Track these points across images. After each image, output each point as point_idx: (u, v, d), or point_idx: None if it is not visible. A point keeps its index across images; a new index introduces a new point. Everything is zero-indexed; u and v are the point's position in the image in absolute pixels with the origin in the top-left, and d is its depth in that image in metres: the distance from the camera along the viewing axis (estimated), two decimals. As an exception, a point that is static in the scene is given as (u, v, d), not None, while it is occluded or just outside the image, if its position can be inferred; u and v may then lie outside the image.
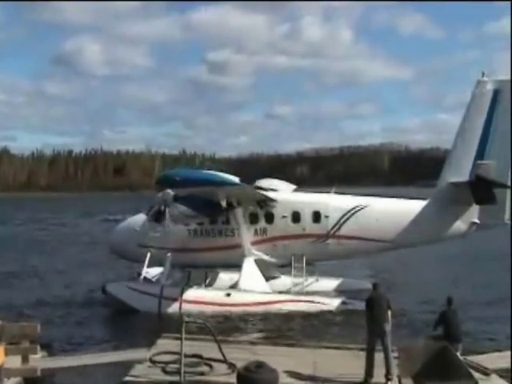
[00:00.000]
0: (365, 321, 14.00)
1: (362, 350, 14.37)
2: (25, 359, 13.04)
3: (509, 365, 14.87)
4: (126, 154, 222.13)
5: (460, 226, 24.37)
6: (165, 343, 15.55)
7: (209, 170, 27.71)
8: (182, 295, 23.32)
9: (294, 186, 31.41)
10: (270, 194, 25.22)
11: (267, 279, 25.43)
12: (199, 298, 23.36)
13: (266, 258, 25.02)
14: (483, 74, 24.15)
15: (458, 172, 23.81)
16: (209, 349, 14.18)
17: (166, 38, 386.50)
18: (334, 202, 25.15)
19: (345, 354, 15.52)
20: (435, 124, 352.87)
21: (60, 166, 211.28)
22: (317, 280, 26.61)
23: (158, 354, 14.45)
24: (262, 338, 19.67)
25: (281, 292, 24.60)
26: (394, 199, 25.77)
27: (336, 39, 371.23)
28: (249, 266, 24.48)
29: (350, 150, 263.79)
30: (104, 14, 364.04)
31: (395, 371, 13.25)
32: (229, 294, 23.56)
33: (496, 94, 23.85)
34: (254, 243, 25.02)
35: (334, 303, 23.56)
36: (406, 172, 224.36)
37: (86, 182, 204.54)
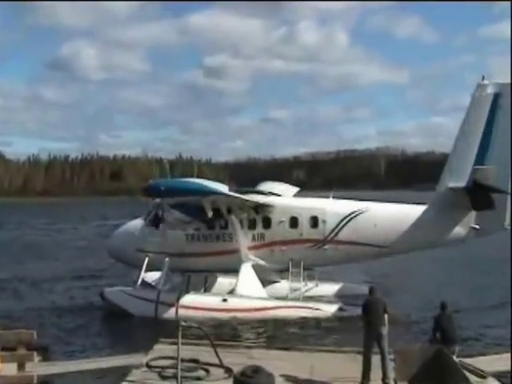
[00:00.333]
0: (361, 325, 14.04)
1: (358, 353, 14.39)
2: (21, 366, 13.01)
3: (508, 367, 14.90)
4: (123, 158, 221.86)
5: (459, 231, 24.12)
6: (161, 348, 15.55)
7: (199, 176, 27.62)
8: (178, 300, 23.30)
9: (297, 189, 31.47)
10: (266, 200, 25.15)
11: (267, 284, 25.42)
12: (196, 304, 23.30)
13: (263, 263, 24.91)
14: (483, 78, 23.90)
15: (458, 176, 23.53)
16: (205, 353, 14.19)
17: (162, 42, 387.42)
18: (331, 207, 25.00)
19: (341, 357, 15.54)
20: (431, 127, 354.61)
21: (56, 170, 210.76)
22: (316, 285, 26.60)
23: (155, 358, 14.46)
24: (259, 341, 19.68)
25: (279, 297, 24.51)
26: (393, 204, 25.59)
27: (332, 43, 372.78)
28: (246, 271, 24.40)
29: (346, 153, 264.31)
30: (100, 18, 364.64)
31: (392, 375, 13.27)
32: (225, 300, 23.51)
33: (496, 97, 23.59)
34: (252, 248, 24.92)
35: (330, 310, 23.38)
36: (402, 176, 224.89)
37: (82, 187, 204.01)
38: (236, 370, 13.22)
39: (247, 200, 24.48)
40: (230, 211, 24.66)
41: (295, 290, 24.45)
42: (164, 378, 13.42)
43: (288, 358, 15.44)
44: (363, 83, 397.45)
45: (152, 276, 25.76)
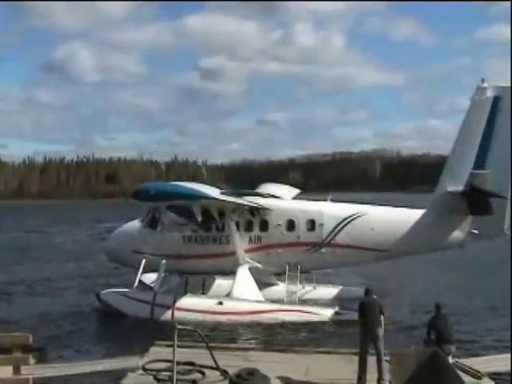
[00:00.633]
0: (357, 326, 14.06)
1: (354, 354, 14.43)
2: (16, 370, 12.98)
3: (508, 368, 14.92)
4: (118, 161, 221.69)
5: (458, 235, 23.91)
6: (157, 351, 15.56)
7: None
8: (174, 303, 23.29)
9: (297, 191, 31.44)
10: (261, 202, 25.10)
11: (265, 286, 25.41)
12: (192, 306, 23.27)
13: (259, 265, 24.85)
14: (483, 81, 23.78)
15: (457, 180, 23.26)
16: (201, 356, 14.18)
17: (157, 44, 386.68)
18: (328, 210, 24.91)
19: (337, 358, 15.57)
20: (427, 130, 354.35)
21: (52, 173, 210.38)
22: (314, 288, 26.58)
23: (151, 361, 14.45)
24: (254, 344, 19.69)
25: (276, 300, 24.42)
26: (391, 207, 25.44)
27: (328, 45, 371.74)
28: (243, 274, 24.37)
29: (342, 156, 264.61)
30: (95, 20, 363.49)
31: (387, 376, 13.30)
32: (221, 303, 23.48)
33: (496, 100, 23.44)
34: (248, 251, 24.86)
35: (327, 313, 23.26)
36: (397, 178, 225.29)
37: (77, 190, 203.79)
38: (232, 372, 13.27)
39: (239, 203, 24.42)
40: (223, 214, 24.64)
41: (292, 293, 24.38)
42: (160, 380, 13.41)
43: (284, 359, 15.46)
44: (359, 85, 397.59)
45: (150, 277, 25.73)
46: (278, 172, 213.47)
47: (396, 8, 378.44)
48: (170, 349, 13.01)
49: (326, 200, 25.95)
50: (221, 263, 24.82)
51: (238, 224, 24.91)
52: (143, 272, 25.05)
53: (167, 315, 22.91)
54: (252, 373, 12.97)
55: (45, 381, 14.42)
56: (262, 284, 25.34)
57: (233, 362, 14.25)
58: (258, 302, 23.80)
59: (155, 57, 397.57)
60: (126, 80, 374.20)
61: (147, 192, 22.37)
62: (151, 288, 24.94)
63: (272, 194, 27.52)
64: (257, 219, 25.02)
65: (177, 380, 12.84)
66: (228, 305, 23.37)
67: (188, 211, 23.87)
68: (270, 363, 14.50)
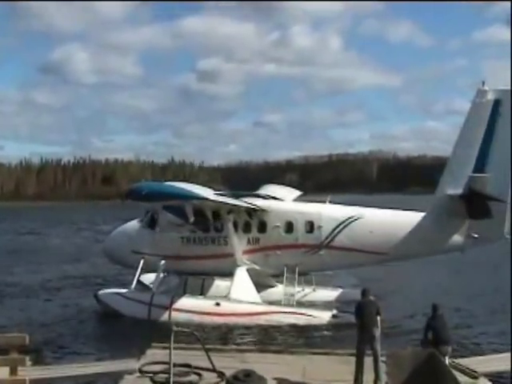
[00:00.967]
0: (354, 328, 14.07)
1: (351, 355, 14.43)
2: (13, 371, 12.97)
3: (508, 367, 14.91)
4: (115, 162, 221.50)
5: (458, 239, 23.63)
6: (154, 353, 15.54)
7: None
8: (171, 303, 23.27)
9: (299, 192, 31.38)
10: (258, 203, 25.03)
11: (264, 288, 25.39)
12: (189, 307, 23.23)
13: (257, 267, 24.78)
14: (483, 83, 23.62)
15: (458, 183, 22.92)
16: (198, 358, 14.17)
17: (155, 46, 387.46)
18: (327, 212, 24.79)
19: (334, 359, 15.58)
20: (424, 131, 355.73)
21: (48, 175, 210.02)
22: (314, 290, 26.53)
23: (147, 363, 14.44)
24: (251, 345, 19.67)
25: (273, 302, 24.35)
26: (390, 210, 25.25)
27: (325, 47, 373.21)
28: (240, 275, 24.32)
29: (338, 157, 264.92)
30: (92, 21, 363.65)
31: (384, 377, 13.30)
32: (218, 304, 23.45)
33: (497, 103, 23.27)
34: (247, 252, 24.81)
35: (324, 316, 23.13)
36: (394, 179, 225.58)
37: (74, 191, 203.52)
38: (228, 374, 13.27)
39: (233, 204, 24.34)
40: (219, 215, 24.60)
41: (290, 295, 24.31)
42: (156, 382, 13.41)
43: (280, 361, 15.45)
44: (356, 87, 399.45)
45: (150, 278, 25.69)
46: (275, 173, 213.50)
47: (393, 9, 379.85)
48: (167, 351, 13.00)
49: (324, 202, 25.85)
50: (219, 264, 24.78)
51: (236, 225, 24.85)
52: (143, 272, 25.10)
53: (164, 316, 22.91)
54: (249, 374, 13.00)
55: (41, 382, 14.39)
56: (261, 286, 25.31)
57: (229, 364, 14.25)
58: (255, 303, 23.77)
59: (152, 58, 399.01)
60: (123, 81, 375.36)
61: (139, 191, 22.28)
62: (150, 288, 24.92)
63: (272, 195, 27.42)
64: (255, 220, 24.96)
65: (173, 382, 12.83)
66: (225, 306, 23.33)
67: (185, 212, 23.82)
68: (267, 365, 14.51)
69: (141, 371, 14.07)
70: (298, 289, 25.40)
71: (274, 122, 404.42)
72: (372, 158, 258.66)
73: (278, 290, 25.32)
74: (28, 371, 13.78)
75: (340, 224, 24.33)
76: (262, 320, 22.95)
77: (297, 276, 24.37)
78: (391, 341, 18.28)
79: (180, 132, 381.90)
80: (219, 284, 26.23)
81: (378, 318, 13.89)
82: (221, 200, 23.95)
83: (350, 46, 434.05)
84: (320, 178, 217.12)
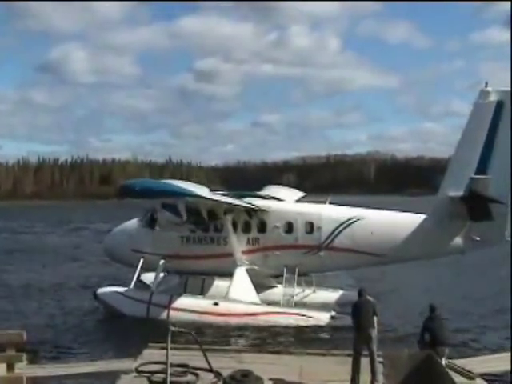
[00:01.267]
0: (352, 328, 14.07)
1: (348, 356, 14.43)
2: (10, 367, 12.95)
3: (507, 367, 14.91)
4: (112, 162, 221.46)
5: (459, 241, 23.37)
6: (151, 353, 15.51)
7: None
8: (170, 302, 23.23)
9: (302, 194, 31.27)
10: (258, 204, 24.93)
11: (264, 289, 25.36)
12: (187, 306, 23.20)
13: (257, 267, 24.66)
14: (486, 84, 23.38)
15: (459, 184, 22.60)
16: (195, 358, 14.16)
17: (152, 46, 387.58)
18: (327, 213, 24.62)
19: (331, 360, 15.59)
20: (421, 133, 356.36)
21: (46, 174, 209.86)
22: (314, 291, 26.47)
23: (144, 363, 14.41)
24: (248, 345, 19.67)
25: (272, 303, 24.25)
26: (391, 212, 25.05)
27: (323, 48, 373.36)
28: (240, 275, 24.23)
29: (336, 158, 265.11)
30: (90, 21, 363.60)
31: (381, 378, 13.31)
32: (217, 304, 23.41)
33: (499, 105, 23.04)
34: (246, 252, 24.71)
35: (322, 317, 23.00)
36: (392, 180, 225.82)
37: (71, 191, 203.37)
38: (226, 374, 13.27)
39: (230, 203, 24.16)
40: (215, 214, 24.47)
41: (289, 295, 24.22)
42: (153, 382, 13.38)
43: (277, 361, 15.45)
44: (354, 88, 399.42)
45: (151, 277, 25.59)
46: (273, 174, 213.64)
47: (391, 10, 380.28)
48: (164, 351, 12.99)
49: (323, 202, 25.67)
50: (218, 264, 24.69)
51: (235, 225, 24.75)
52: (144, 271, 25.10)
53: (163, 315, 22.85)
54: (246, 375, 13.00)
55: (38, 381, 14.39)
56: (262, 286, 25.27)
57: (226, 364, 14.25)
58: (253, 303, 23.69)
59: (150, 58, 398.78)
60: (121, 81, 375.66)
61: (132, 188, 22.14)
62: (150, 287, 24.89)
63: (274, 196, 27.30)
64: (254, 221, 24.84)
65: (171, 382, 12.82)
66: (224, 306, 23.28)
67: (183, 210, 23.69)
68: (264, 365, 14.50)
69: (137, 371, 14.05)
70: (298, 290, 25.37)
71: (271, 123, 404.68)
72: (370, 159, 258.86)
73: (279, 291, 25.15)
74: (25, 369, 13.78)
75: (340, 225, 24.17)
76: (261, 320, 22.89)
77: (296, 277, 24.27)
78: (388, 342, 18.35)
79: (178, 132, 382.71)
80: (219, 284, 26.09)
81: (375, 318, 13.89)
82: (215, 198, 23.77)
83: (348, 47, 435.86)
84: (318, 178, 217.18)
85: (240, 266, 24.41)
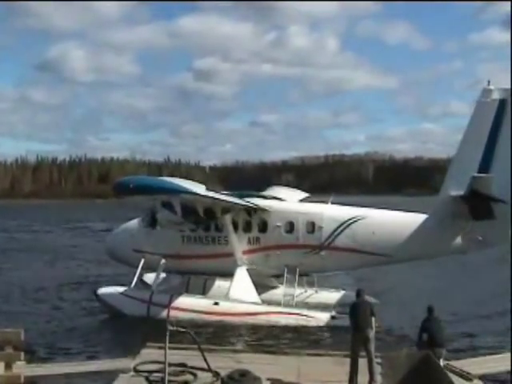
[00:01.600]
0: (349, 328, 14.07)
1: (345, 356, 14.43)
2: (8, 366, 12.93)
3: (508, 368, 14.90)
4: (111, 161, 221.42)
5: (461, 241, 23.14)
6: (149, 352, 15.51)
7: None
8: (170, 302, 23.17)
9: (306, 194, 31.14)
10: (259, 203, 24.83)
11: (266, 289, 25.31)
12: (188, 306, 23.13)
13: (258, 267, 24.53)
14: (489, 82, 23.19)
15: (461, 184, 22.25)
16: (193, 358, 14.15)
17: (152, 45, 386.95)
18: (328, 213, 24.43)
19: (329, 360, 15.60)
20: (420, 133, 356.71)
21: (44, 173, 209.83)
22: (316, 292, 26.40)
23: (142, 363, 14.41)
24: (246, 345, 19.67)
25: (272, 302, 24.16)
26: (392, 211, 24.88)
27: (322, 48, 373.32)
28: (240, 275, 24.16)
29: (334, 158, 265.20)
30: (90, 20, 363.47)
31: (379, 378, 13.32)
32: (217, 303, 23.36)
33: (502, 103, 22.82)
34: (247, 252, 24.61)
35: (322, 317, 22.92)
36: (390, 181, 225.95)
37: (70, 190, 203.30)
38: (224, 374, 13.26)
39: (229, 202, 23.99)
40: (213, 212, 24.32)
41: (290, 295, 24.05)
42: (151, 382, 13.39)
43: (275, 361, 15.45)
44: (353, 88, 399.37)
45: (153, 277, 25.49)
46: (271, 174, 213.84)
47: (389, 11, 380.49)
48: (162, 350, 12.98)
49: (326, 202, 25.52)
50: (219, 264, 24.60)
51: (236, 225, 24.63)
52: (145, 271, 25.08)
53: (163, 314, 22.73)
54: (244, 374, 12.99)
55: (35, 380, 14.39)
56: (263, 287, 25.22)
57: (224, 364, 14.25)
58: (254, 303, 23.62)
59: (149, 57, 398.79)
60: (120, 80, 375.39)
61: (126, 185, 22.06)
62: (151, 287, 24.84)
63: (276, 196, 27.18)
64: (255, 220, 24.72)
65: (168, 381, 12.80)
66: (224, 306, 23.23)
67: (184, 210, 23.55)
68: (262, 365, 14.49)
69: (135, 370, 14.05)
70: (300, 290, 25.34)
71: (270, 123, 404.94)
72: (368, 159, 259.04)
73: (281, 291, 24.89)
74: (23, 367, 13.76)
75: (341, 224, 24.01)
76: (261, 320, 22.81)
77: (297, 277, 24.14)
78: (386, 342, 18.36)
79: (176, 131, 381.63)
80: (221, 284, 25.96)
81: (373, 318, 13.86)
82: (211, 195, 23.45)
83: (347, 47, 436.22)
84: (316, 178, 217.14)
85: (241, 265, 24.34)
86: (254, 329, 22.37)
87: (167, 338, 12.82)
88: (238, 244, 24.51)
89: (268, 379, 13.57)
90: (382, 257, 23.76)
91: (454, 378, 13.27)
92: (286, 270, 24.15)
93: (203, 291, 25.82)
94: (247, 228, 24.80)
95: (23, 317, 23.55)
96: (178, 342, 15.11)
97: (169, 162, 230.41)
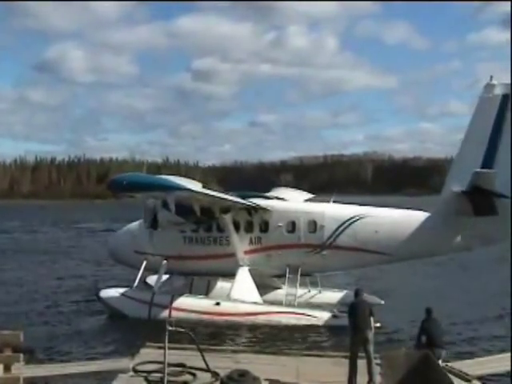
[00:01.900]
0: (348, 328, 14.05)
1: (344, 357, 14.42)
2: (7, 368, 12.91)
3: (508, 368, 14.89)
4: (110, 161, 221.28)
5: (465, 239, 22.92)
6: (148, 352, 15.51)
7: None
8: (171, 303, 23.12)
9: (310, 195, 30.98)
10: (260, 203, 24.73)
11: (270, 290, 25.28)
12: (189, 306, 23.12)
13: (260, 267, 24.43)
14: (491, 78, 22.96)
15: (464, 181, 21.93)
16: (192, 358, 14.15)
17: (150, 45, 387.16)
18: (330, 212, 24.30)
19: (328, 361, 15.58)
20: (418, 133, 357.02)
21: (43, 173, 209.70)
22: (320, 292, 26.34)
23: (141, 363, 14.40)
24: (245, 346, 19.65)
25: (274, 302, 24.15)
26: (395, 209, 24.81)
27: (321, 48, 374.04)
28: (242, 275, 24.09)
29: (333, 158, 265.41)
30: (88, 20, 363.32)
31: (378, 379, 13.31)
32: (218, 303, 23.30)
33: (505, 98, 22.52)
34: (249, 252, 24.52)
35: (324, 316, 22.82)
36: (389, 181, 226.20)
37: (68, 190, 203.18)
38: (223, 374, 13.26)
39: (225, 200, 23.86)
40: (211, 212, 24.23)
41: (292, 295, 23.94)
42: (150, 382, 13.37)
43: (274, 362, 15.44)
44: (352, 88, 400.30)
45: (155, 279, 25.57)
46: (270, 174, 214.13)
47: (388, 11, 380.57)
48: (161, 350, 12.98)
49: (328, 201, 25.45)
50: (221, 264, 24.53)
51: (237, 225, 24.55)
52: (147, 273, 25.03)
53: (164, 315, 22.66)
54: (243, 374, 12.98)
55: (35, 381, 14.37)
56: (267, 287, 25.19)
57: (224, 364, 14.23)
58: (255, 303, 23.53)
59: (147, 58, 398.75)
60: (119, 80, 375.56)
61: (120, 182, 21.89)
62: (147, 289, 24.81)
63: (280, 197, 27.07)
64: (257, 220, 24.63)
65: (168, 381, 12.80)
66: (225, 306, 23.18)
67: (182, 209, 23.48)
68: (261, 365, 14.48)
69: (134, 370, 14.05)
70: (303, 291, 25.31)
71: (269, 123, 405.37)
72: (367, 159, 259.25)
73: (283, 292, 24.85)
74: (22, 369, 13.74)
75: (343, 223, 23.86)
76: (262, 320, 22.74)
77: (299, 276, 24.05)
78: (384, 342, 18.36)
79: (175, 131, 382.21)
80: (224, 285, 25.88)
81: (371, 318, 13.80)
82: (205, 192, 23.22)
83: (346, 48, 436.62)
84: (315, 179, 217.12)
85: (242, 266, 24.27)
86: (253, 329, 22.34)
87: (166, 338, 12.82)
88: (240, 244, 24.41)
89: (267, 379, 13.56)
90: (385, 255, 23.62)
91: (452, 378, 13.27)
92: (287, 270, 24.05)
93: (206, 293, 25.74)
94: (249, 228, 24.70)
95: (22, 318, 23.53)
96: (177, 341, 15.13)
97: (168, 162, 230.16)
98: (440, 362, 13.66)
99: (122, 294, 24.18)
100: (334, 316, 22.64)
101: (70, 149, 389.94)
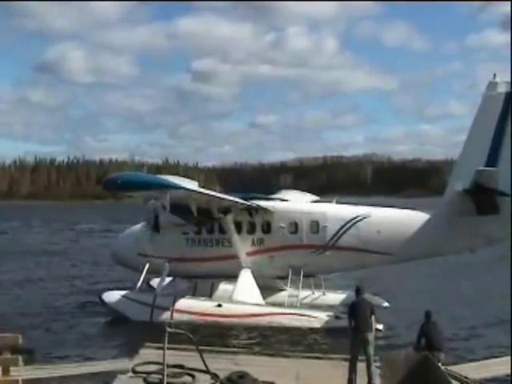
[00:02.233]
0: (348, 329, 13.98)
1: (344, 359, 14.38)
2: (6, 371, 12.88)
3: (508, 371, 14.84)
4: (109, 162, 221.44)
5: (468, 239, 22.82)
6: (147, 353, 15.46)
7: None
8: (173, 305, 23.06)
9: (315, 197, 30.92)
10: (262, 204, 24.66)
11: (273, 291, 25.23)
12: (191, 308, 23.05)
13: (262, 269, 24.34)
14: (495, 76, 22.88)
15: (468, 180, 21.80)
16: (192, 359, 14.12)
17: (150, 46, 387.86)
18: (332, 212, 24.25)
19: (327, 363, 15.49)
20: (418, 134, 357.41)
21: (42, 174, 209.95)
22: (323, 294, 26.27)
23: (140, 364, 14.37)
24: (245, 347, 19.63)
25: (276, 303, 24.09)
26: (397, 209, 24.76)
27: (321, 49, 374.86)
28: (245, 277, 24.02)
29: (333, 159, 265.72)
30: (88, 21, 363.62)
31: (377, 381, 13.28)
32: (220, 305, 23.23)
33: (508, 96, 22.39)
34: (251, 254, 24.45)
35: (326, 318, 22.68)
36: (388, 182, 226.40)
37: (68, 191, 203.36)
38: (222, 375, 13.24)
39: (217, 197, 23.69)
40: (210, 212, 24.07)
41: (294, 296, 23.87)
42: (149, 383, 13.35)
43: (274, 364, 15.40)
44: (351, 89, 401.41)
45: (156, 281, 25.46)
46: (269, 175, 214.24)
47: (388, 12, 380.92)
48: (161, 351, 12.95)
49: (331, 202, 25.39)
50: (223, 266, 24.44)
51: (239, 226, 24.47)
52: (150, 275, 24.98)
53: (166, 317, 22.58)
54: (242, 376, 12.97)
55: (34, 383, 14.34)
56: (270, 289, 25.12)
57: (223, 366, 14.18)
58: (257, 305, 23.43)
59: (147, 58, 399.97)
60: (118, 81, 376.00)
61: (115, 182, 21.76)
62: (149, 291, 24.74)
63: (285, 199, 26.89)
64: (259, 221, 24.57)
65: (167, 383, 12.78)
66: (227, 307, 23.10)
67: (183, 210, 23.47)
68: (260, 367, 14.44)
69: (134, 371, 14.02)
70: (307, 292, 25.25)
71: (268, 124, 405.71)
72: (367, 161, 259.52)
73: (286, 293, 24.63)
74: (21, 371, 13.71)
75: (346, 223, 23.76)
76: (264, 321, 22.66)
77: (302, 277, 23.97)
78: (384, 345, 18.33)
79: (175, 132, 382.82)
80: (227, 288, 25.71)
81: (373, 317, 13.67)
82: (201, 191, 22.94)
83: (346, 49, 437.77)
84: (314, 180, 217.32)
85: (245, 267, 24.19)
86: (253, 331, 22.32)
87: (166, 339, 12.80)
88: (242, 246, 24.35)
89: (266, 381, 13.53)
90: (388, 256, 23.54)
91: (452, 382, 13.25)
92: (290, 271, 24.00)
93: (210, 295, 25.59)
94: (251, 229, 24.64)
95: (21, 320, 23.49)
96: (177, 342, 15.11)
97: (167, 163, 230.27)
98: (439, 365, 13.63)
99: (124, 297, 24.11)
100: (337, 317, 22.49)
101: (69, 149, 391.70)
